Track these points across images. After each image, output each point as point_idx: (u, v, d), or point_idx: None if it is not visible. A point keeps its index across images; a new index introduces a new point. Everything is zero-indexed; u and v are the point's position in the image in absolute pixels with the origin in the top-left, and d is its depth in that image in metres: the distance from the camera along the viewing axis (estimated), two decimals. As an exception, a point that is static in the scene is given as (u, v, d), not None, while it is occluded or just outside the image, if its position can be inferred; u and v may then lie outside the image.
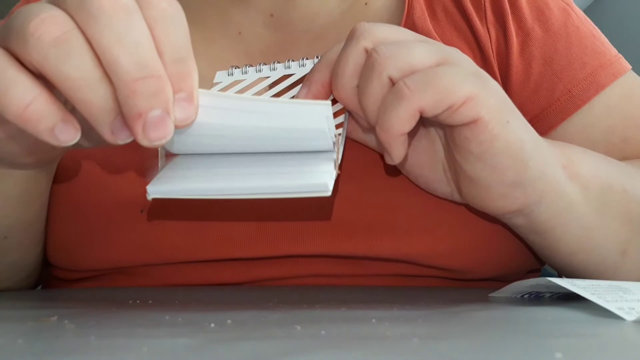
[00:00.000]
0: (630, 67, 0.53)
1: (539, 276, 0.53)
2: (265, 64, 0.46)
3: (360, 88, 0.37)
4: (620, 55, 0.53)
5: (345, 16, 0.54)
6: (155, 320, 0.32)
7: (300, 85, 0.42)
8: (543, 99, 0.51)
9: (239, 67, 0.46)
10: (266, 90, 0.44)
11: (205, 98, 0.33)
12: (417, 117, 0.36)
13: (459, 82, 0.35)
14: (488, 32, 0.51)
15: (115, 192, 0.47)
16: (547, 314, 0.34)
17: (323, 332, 0.28)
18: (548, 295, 0.40)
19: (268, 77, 0.46)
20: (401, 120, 0.35)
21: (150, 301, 0.40)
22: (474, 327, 0.31)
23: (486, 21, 0.52)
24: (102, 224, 0.47)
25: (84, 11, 0.28)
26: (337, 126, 0.39)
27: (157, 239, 0.47)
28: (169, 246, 0.46)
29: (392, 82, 0.36)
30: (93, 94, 0.29)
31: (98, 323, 0.31)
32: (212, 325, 0.30)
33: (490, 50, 0.51)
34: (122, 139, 0.30)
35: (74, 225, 0.48)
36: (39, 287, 0.57)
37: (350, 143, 0.45)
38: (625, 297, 0.33)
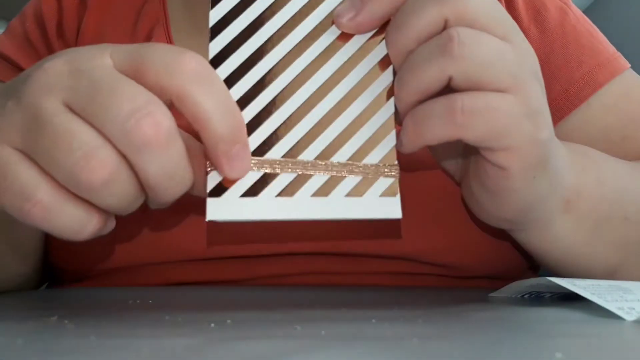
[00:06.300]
0: (629, 65, 0.52)
1: (539, 275, 0.53)
2: None
3: (415, 64, 0.32)
4: (618, 53, 0.52)
5: None
6: (155, 320, 0.32)
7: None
8: None
9: None
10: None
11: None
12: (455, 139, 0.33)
13: (511, 128, 0.32)
14: None
15: None
16: (547, 314, 0.34)
17: (323, 332, 0.28)
18: (548, 295, 0.40)
19: None
20: (436, 135, 0.32)
21: (150, 301, 0.40)
22: (474, 327, 0.31)
23: None
24: None
25: (128, 143, 0.28)
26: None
27: (159, 237, 0.47)
28: (170, 244, 0.46)
29: (449, 83, 0.32)
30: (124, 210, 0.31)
31: (98, 323, 0.31)
32: (212, 325, 0.30)
33: None
34: None
35: None
36: (44, 287, 0.57)
37: None
38: (625, 297, 0.33)
